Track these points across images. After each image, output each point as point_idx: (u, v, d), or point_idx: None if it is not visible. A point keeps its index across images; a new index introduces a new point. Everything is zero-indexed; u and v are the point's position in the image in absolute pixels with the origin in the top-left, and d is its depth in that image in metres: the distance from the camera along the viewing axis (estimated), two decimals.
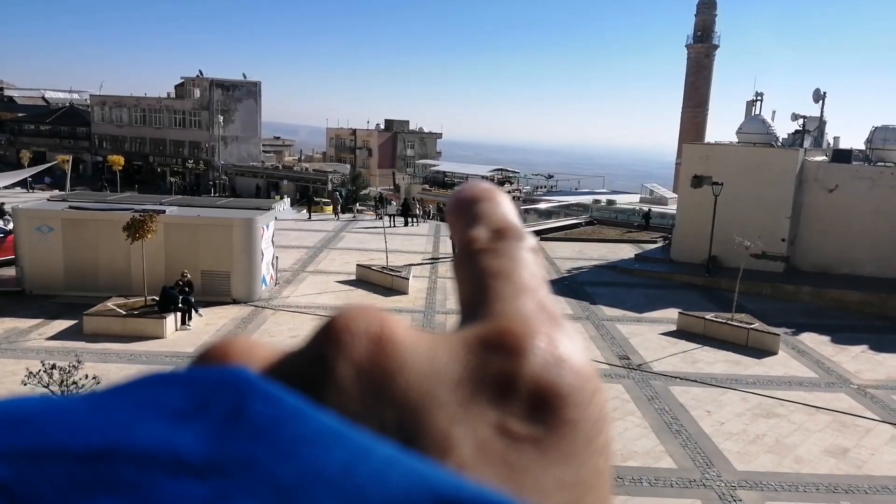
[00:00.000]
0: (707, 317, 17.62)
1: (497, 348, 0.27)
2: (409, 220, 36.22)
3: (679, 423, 11.91)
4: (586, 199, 47.72)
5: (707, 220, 23.98)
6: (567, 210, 44.52)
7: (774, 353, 16.17)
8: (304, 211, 39.57)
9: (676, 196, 36.98)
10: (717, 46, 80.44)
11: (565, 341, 0.29)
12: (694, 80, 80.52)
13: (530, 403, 0.26)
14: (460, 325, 0.30)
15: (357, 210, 41.18)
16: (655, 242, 31.64)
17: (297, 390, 0.24)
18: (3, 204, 28.14)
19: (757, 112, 30.23)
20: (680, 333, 17.44)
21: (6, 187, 30.63)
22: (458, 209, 0.35)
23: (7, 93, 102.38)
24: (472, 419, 0.25)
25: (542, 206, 47.77)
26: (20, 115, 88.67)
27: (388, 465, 0.21)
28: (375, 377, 0.25)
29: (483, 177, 65.54)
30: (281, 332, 16.05)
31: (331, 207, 42.50)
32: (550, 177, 66.50)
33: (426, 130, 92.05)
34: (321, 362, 0.26)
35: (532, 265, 0.33)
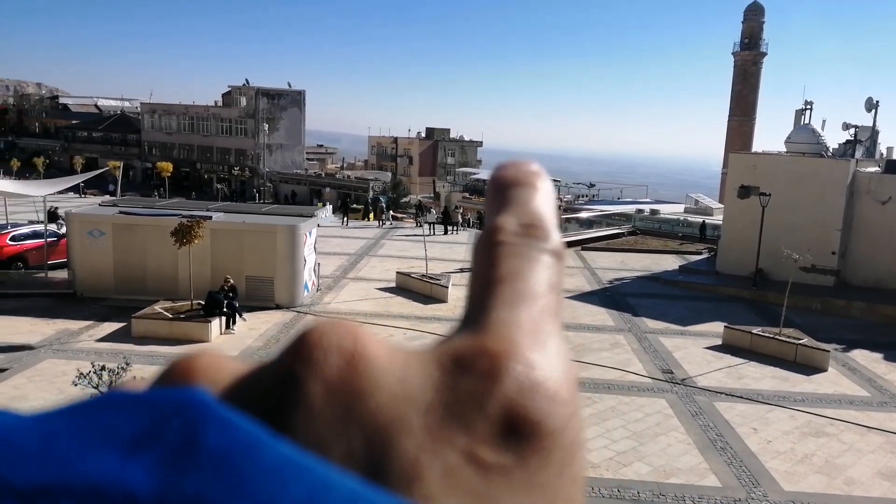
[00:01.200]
0: (754, 331, 17.18)
1: (471, 369, 0.26)
2: (449, 228, 36.28)
3: (724, 439, 11.62)
4: (629, 209, 47.11)
5: (754, 231, 23.44)
6: (609, 219, 44.02)
7: (824, 370, 15.67)
8: (343, 217, 40.00)
9: (722, 206, 36.25)
10: (764, 54, 78.76)
11: (544, 363, 0.27)
12: (741, 88, 78.95)
13: (501, 430, 0.25)
14: (458, 327, 0.30)
15: (391, 217, 41.34)
16: (700, 254, 31.04)
17: (266, 410, 0.24)
18: (56, 208, 29.14)
19: (806, 121, 29.44)
20: (725, 348, 17.04)
21: (59, 192, 31.69)
22: (496, 189, 0.34)
23: (62, 100, 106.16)
24: (441, 446, 0.24)
25: (584, 215, 47.33)
26: (74, 122, 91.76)
27: (350, 503, 0.20)
28: (346, 398, 0.24)
29: None
30: None
31: (371, 214, 42.90)
32: (592, 185, 65.88)
33: (467, 139, 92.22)
34: (292, 381, 0.25)
35: (546, 270, 0.31)
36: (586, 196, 62.19)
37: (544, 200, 0.34)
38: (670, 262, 28.85)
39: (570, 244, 33.06)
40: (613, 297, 22.27)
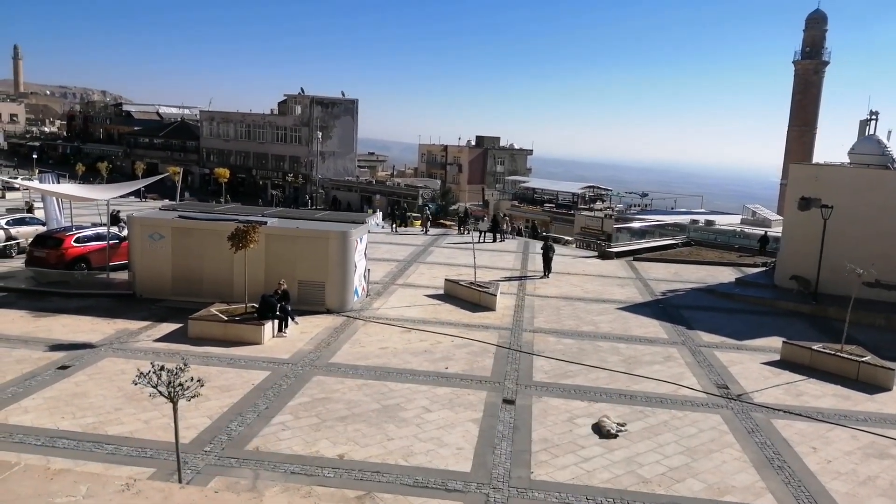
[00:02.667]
0: (814, 347, 16.57)
1: None
2: (497, 236, 36.20)
3: (781, 458, 11.21)
4: (683, 219, 46.11)
5: (814, 244, 22.66)
6: (662, 230, 43.19)
7: (888, 389, 14.99)
8: (392, 224, 40.29)
9: (781, 218, 35.10)
10: (826, 63, 76.25)
11: None
12: (801, 97, 76.57)
13: None
14: None
15: (439, 224, 41.44)
16: (757, 266, 30.16)
17: None
18: (119, 212, 30.20)
19: (871, 132, 28.32)
20: (784, 364, 16.48)
21: (121, 196, 32.83)
22: None
23: (125, 108, 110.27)
24: None
25: (636, 225, 46.57)
26: (136, 128, 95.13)
27: None
28: None
29: (573, 194, 64.69)
30: (371, 343, 16.34)
31: (419, 222, 43.11)
32: (645, 195, 64.72)
33: (517, 147, 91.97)
34: None
35: None
36: (639, 206, 61.11)
37: None
38: (726, 275, 28.11)
39: (621, 254, 32.56)
40: (666, 309, 21.81)
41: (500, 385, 13.89)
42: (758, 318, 21.43)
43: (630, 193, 67.78)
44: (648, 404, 13.28)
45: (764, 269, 29.37)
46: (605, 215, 51.84)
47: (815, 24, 76.32)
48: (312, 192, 67.30)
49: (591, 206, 60.26)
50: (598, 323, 19.55)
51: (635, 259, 31.68)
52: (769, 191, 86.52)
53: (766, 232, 36.32)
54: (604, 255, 32.60)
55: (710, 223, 44.43)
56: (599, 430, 11.73)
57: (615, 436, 11.56)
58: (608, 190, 66.84)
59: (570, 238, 42.57)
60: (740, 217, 48.17)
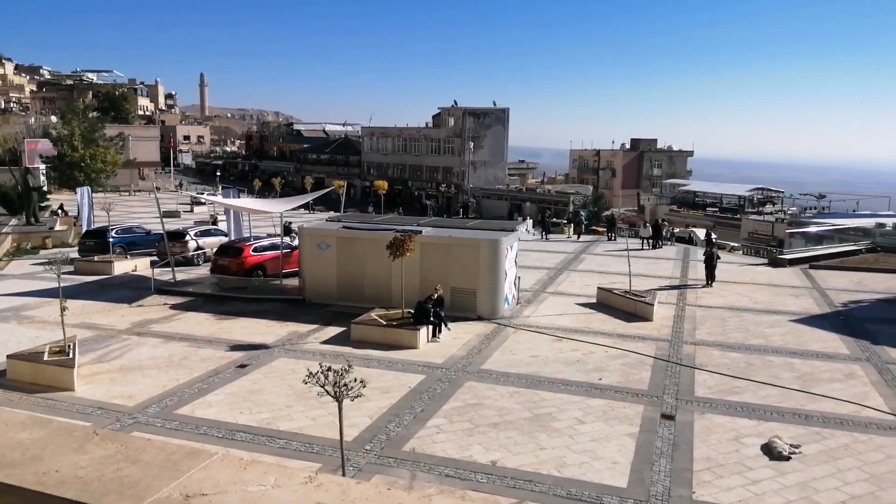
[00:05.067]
0: None
1: None
2: (656, 242, 34.81)
3: None
4: (867, 223, 41.65)
5: None
6: (843, 235, 39.24)
7: None
8: (542, 231, 39.97)
9: None
10: None
11: None
12: None
13: None
14: None
15: (591, 231, 40.41)
16: None
17: None
18: (290, 223, 32.61)
19: None
20: None
21: (293, 209, 35.46)
22: None
23: (296, 126, 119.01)
24: None
25: (812, 229, 42.69)
26: (305, 145, 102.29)
27: None
28: None
29: (740, 197, 60.64)
30: (522, 351, 16.34)
31: (570, 228, 42.43)
32: (822, 197, 59.31)
33: (675, 148, 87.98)
34: None
35: None
36: (815, 208, 56.12)
37: None
38: None
39: (795, 261, 30.06)
40: (848, 321, 19.79)
41: (659, 399, 13.32)
42: None
43: (804, 195, 62.47)
44: (826, 425, 12.12)
45: None
46: (777, 219, 48.12)
47: None
48: (464, 201, 68.59)
49: (760, 209, 56.22)
50: (769, 336, 18.15)
51: (811, 267, 29.07)
52: None
53: None
54: (775, 263, 30.25)
55: None
56: (770, 452, 10.88)
57: (787, 458, 10.66)
58: (779, 192, 62.05)
59: (737, 244, 39.97)
60: None
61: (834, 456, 10.86)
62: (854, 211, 54.36)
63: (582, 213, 52.31)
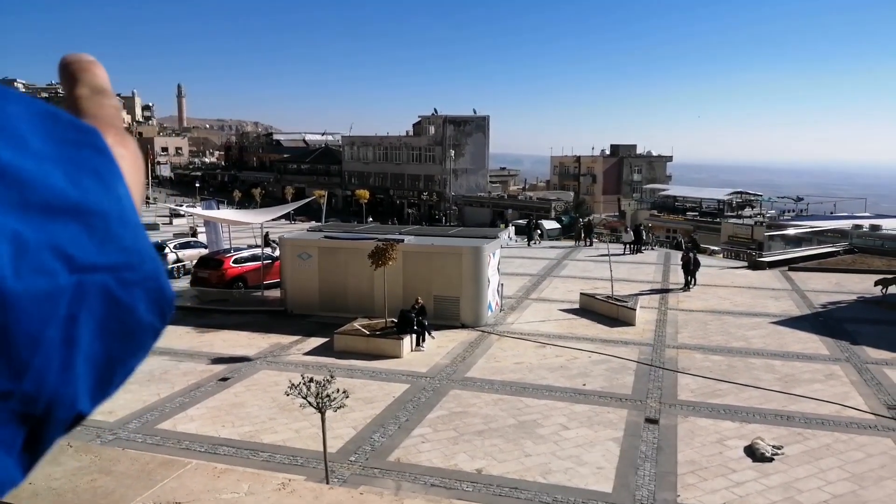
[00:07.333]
0: None
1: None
2: (638, 247, 34.98)
3: None
4: (844, 225, 42.25)
5: None
6: (821, 237, 39.82)
7: None
8: (527, 240, 39.89)
9: None
10: None
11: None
12: None
13: None
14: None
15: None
16: None
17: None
18: (268, 233, 32.41)
19: None
20: None
21: (273, 219, 35.25)
22: (66, 67, 0.54)
23: (275, 136, 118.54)
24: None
25: (791, 231, 43.27)
26: (285, 155, 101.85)
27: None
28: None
29: (719, 201, 61.30)
30: (506, 358, 16.34)
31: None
32: (800, 199, 60.14)
33: (655, 154, 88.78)
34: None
35: (113, 109, 0.53)
36: (793, 211, 56.84)
37: (101, 73, 0.55)
38: None
39: (774, 264, 30.39)
40: (827, 322, 20.04)
41: (642, 403, 13.37)
42: None
43: (782, 198, 63.28)
44: (808, 426, 12.23)
45: None
46: (756, 222, 48.67)
47: None
48: (445, 209, 68.69)
49: (739, 213, 56.82)
50: (750, 338, 18.31)
51: (790, 269, 29.43)
52: None
53: None
54: (755, 265, 30.56)
55: (875, 228, 40.36)
56: (753, 453, 10.95)
57: (770, 459, 10.74)
58: (758, 195, 62.79)
59: (717, 248, 40.34)
60: None
61: (816, 456, 10.96)
62: (831, 213, 55.14)
63: (563, 218, 52.51)
